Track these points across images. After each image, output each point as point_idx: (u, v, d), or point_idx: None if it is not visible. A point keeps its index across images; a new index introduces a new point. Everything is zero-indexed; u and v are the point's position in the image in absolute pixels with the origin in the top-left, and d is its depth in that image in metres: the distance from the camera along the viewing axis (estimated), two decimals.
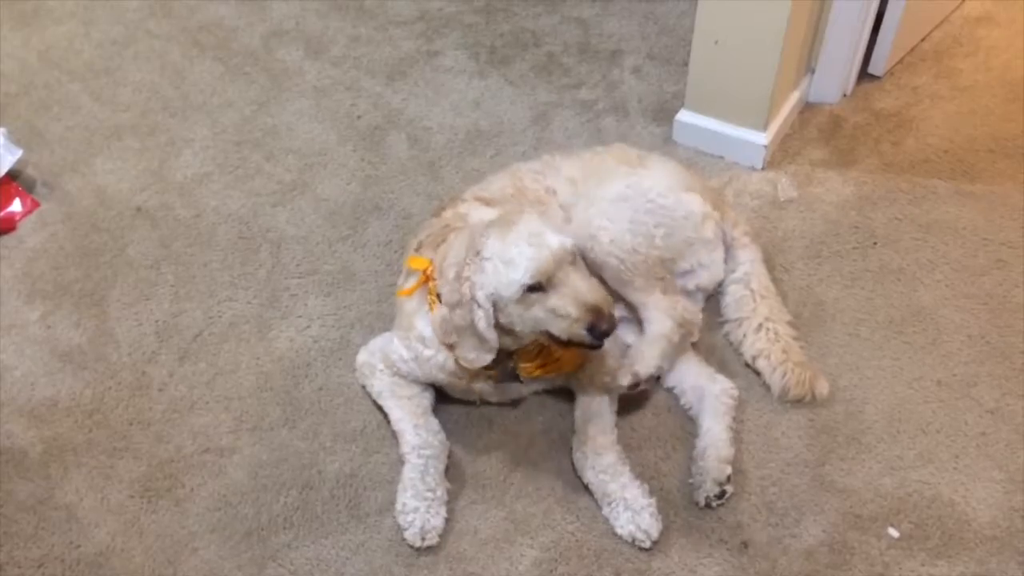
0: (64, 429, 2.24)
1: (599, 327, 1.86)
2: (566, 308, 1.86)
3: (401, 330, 2.15)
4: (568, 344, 1.91)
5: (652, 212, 2.23)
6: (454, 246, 1.99)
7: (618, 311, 2.11)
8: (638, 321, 2.25)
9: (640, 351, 2.15)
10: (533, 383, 2.19)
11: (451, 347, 2.00)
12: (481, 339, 1.92)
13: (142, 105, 3.13)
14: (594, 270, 2.15)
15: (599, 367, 2.16)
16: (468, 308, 1.90)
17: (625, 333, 2.29)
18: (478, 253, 1.90)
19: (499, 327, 1.94)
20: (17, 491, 2.13)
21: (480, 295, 1.89)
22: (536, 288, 1.86)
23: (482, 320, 1.90)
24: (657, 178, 2.30)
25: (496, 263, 1.87)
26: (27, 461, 2.18)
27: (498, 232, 1.90)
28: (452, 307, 1.93)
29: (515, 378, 2.08)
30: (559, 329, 1.89)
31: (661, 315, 2.18)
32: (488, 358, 1.95)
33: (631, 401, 2.24)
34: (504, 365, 2.04)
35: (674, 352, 2.21)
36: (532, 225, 1.90)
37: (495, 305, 1.90)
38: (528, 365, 2.06)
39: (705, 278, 2.34)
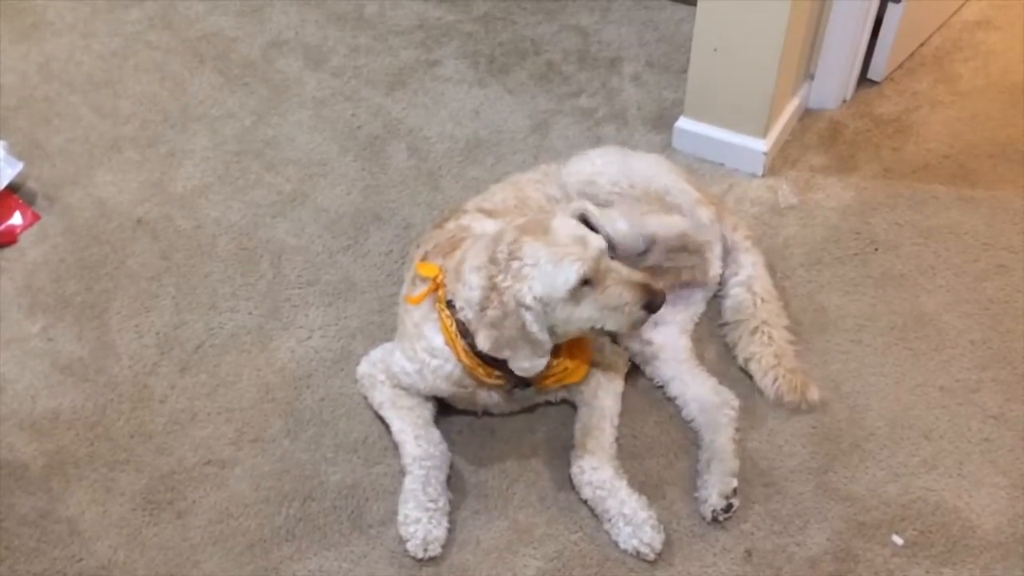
0: (65, 442, 2.24)
1: (655, 302, 1.91)
2: (621, 296, 1.89)
3: (405, 340, 2.14)
4: (617, 336, 1.97)
5: (644, 177, 2.34)
6: (470, 253, 1.98)
7: None
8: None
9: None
10: (535, 396, 2.19)
11: (498, 364, 1.99)
12: (535, 344, 1.91)
13: (142, 117, 3.13)
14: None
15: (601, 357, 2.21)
16: (516, 316, 1.89)
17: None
18: (513, 258, 1.89)
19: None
20: (19, 505, 2.12)
21: (528, 299, 1.88)
22: (584, 284, 1.89)
23: (534, 324, 1.89)
24: (653, 164, 2.41)
25: (543, 266, 1.87)
26: (28, 474, 2.18)
27: (534, 237, 1.91)
28: (498, 323, 1.90)
29: (526, 384, 2.06)
30: (616, 322, 1.92)
31: (667, 219, 2.25)
32: (542, 363, 1.94)
33: (633, 410, 2.24)
34: (513, 373, 2.02)
35: (683, 245, 2.27)
36: (570, 226, 1.94)
37: (544, 312, 1.90)
38: (538, 375, 2.05)
39: (701, 273, 2.34)
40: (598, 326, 1.93)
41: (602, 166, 2.38)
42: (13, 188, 2.79)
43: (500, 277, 1.89)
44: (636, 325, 1.94)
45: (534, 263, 1.87)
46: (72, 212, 2.81)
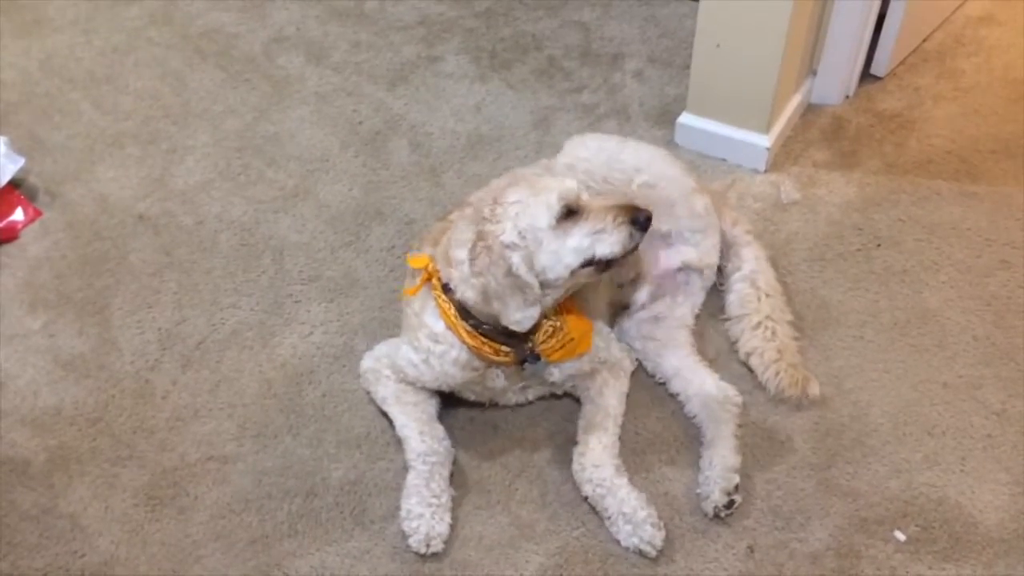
0: (67, 438, 2.24)
1: (641, 216, 1.92)
2: (606, 215, 1.91)
3: (410, 332, 2.14)
4: (609, 266, 1.94)
5: (637, 156, 2.33)
6: (456, 231, 1.99)
7: None
8: None
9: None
10: (542, 386, 2.19)
11: (503, 339, 1.99)
12: (524, 289, 1.89)
13: (143, 113, 3.13)
14: None
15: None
16: (502, 259, 1.88)
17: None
18: (496, 205, 1.93)
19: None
20: (21, 500, 2.12)
21: (513, 236, 1.89)
22: (569, 214, 1.91)
23: (521, 265, 1.88)
24: (652, 154, 2.39)
25: (523, 203, 1.91)
26: (30, 470, 2.18)
27: (516, 184, 1.97)
28: (485, 270, 1.90)
29: (536, 358, 2.04)
30: (608, 246, 1.91)
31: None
32: (535, 312, 1.91)
33: (635, 405, 2.23)
34: (521, 347, 2.02)
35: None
36: (538, 171, 2.04)
37: (530, 250, 1.90)
38: (546, 347, 2.04)
39: (692, 255, 2.33)
40: (589, 254, 1.92)
41: (591, 153, 2.36)
42: (15, 184, 2.79)
43: (486, 227, 1.92)
44: (627, 244, 1.92)
45: (515, 201, 1.92)
46: (73, 208, 2.81)
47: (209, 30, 3.46)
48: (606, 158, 2.34)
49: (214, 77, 3.26)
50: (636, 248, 1.95)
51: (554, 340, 2.03)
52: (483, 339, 1.99)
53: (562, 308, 2.05)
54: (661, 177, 2.33)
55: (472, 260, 1.91)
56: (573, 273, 1.93)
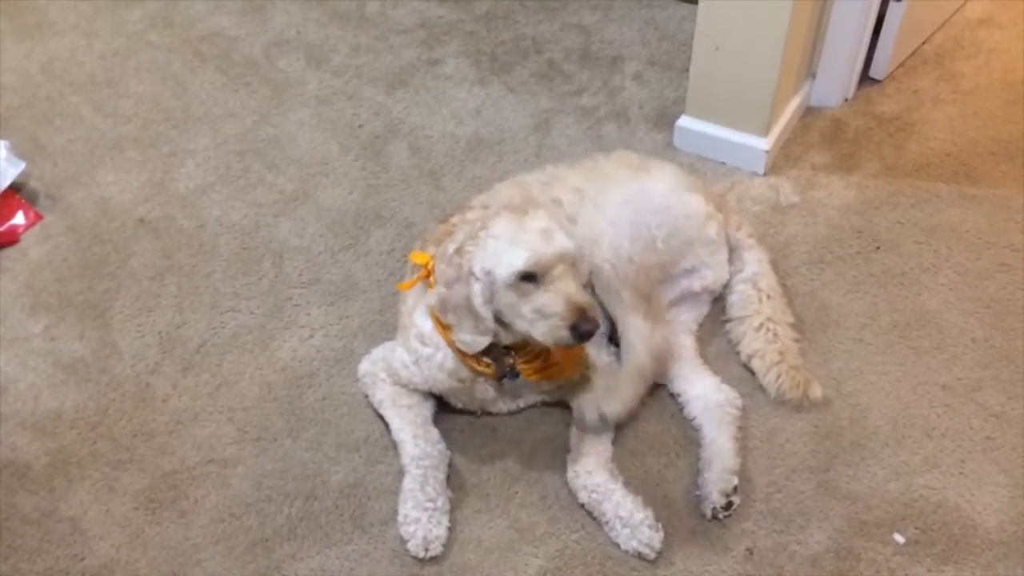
0: (68, 441, 2.24)
1: (581, 327, 1.85)
2: (554, 304, 1.85)
3: (403, 331, 2.15)
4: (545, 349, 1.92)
5: (656, 212, 2.24)
6: (457, 236, 2.00)
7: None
8: (615, 341, 2.23)
9: (613, 388, 2.11)
10: (533, 396, 2.19)
11: (450, 331, 1.99)
12: (477, 318, 1.91)
13: (144, 116, 3.14)
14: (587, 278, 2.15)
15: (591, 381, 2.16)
16: (465, 282, 1.91)
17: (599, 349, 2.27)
18: (483, 227, 1.93)
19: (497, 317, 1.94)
20: (21, 504, 2.13)
21: (477, 268, 1.90)
22: (530, 279, 1.87)
23: (478, 295, 1.90)
24: (660, 179, 2.32)
25: (500, 242, 1.89)
26: (31, 474, 2.18)
27: (511, 216, 1.94)
28: (450, 283, 1.93)
29: (514, 375, 2.06)
30: (541, 332, 1.88)
31: (639, 344, 2.13)
32: (484, 342, 1.94)
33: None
34: (502, 361, 2.03)
35: (645, 389, 2.16)
36: (544, 220, 1.93)
37: (490, 288, 1.90)
38: (527, 367, 2.05)
39: (710, 278, 2.35)
40: (526, 328, 1.90)
41: (611, 221, 2.22)
42: (15, 188, 2.80)
43: (469, 243, 1.93)
44: (559, 343, 1.88)
45: (495, 236, 1.90)
46: (74, 212, 2.81)
47: (209, 34, 3.46)
48: (624, 231, 2.21)
49: (214, 81, 3.26)
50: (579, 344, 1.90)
51: (538, 362, 2.04)
52: None
53: None
54: (678, 221, 2.26)
55: (444, 268, 1.94)
56: (522, 330, 1.92)
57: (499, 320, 1.94)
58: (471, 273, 1.91)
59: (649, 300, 2.19)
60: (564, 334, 1.86)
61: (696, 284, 2.34)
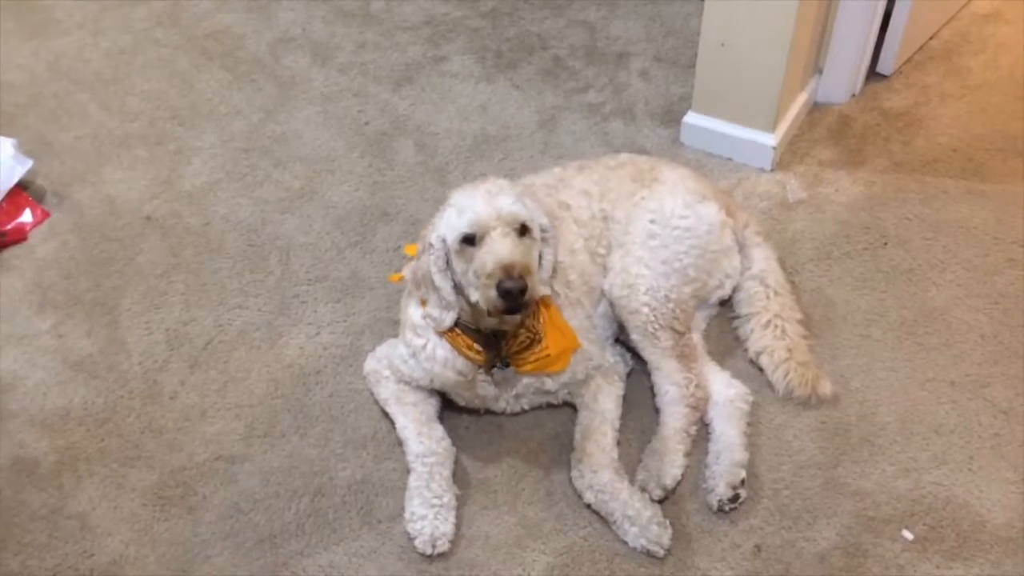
0: (76, 438, 2.25)
1: (504, 284, 1.83)
2: (484, 265, 1.86)
3: (402, 326, 2.17)
4: (489, 316, 1.93)
5: (679, 239, 2.23)
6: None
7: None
8: (648, 381, 2.23)
9: (662, 458, 2.09)
10: (536, 396, 2.18)
11: (475, 336, 2.03)
12: (437, 290, 1.96)
13: (150, 114, 3.14)
14: (625, 316, 2.20)
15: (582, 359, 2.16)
16: (427, 253, 1.97)
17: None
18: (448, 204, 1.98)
19: (458, 288, 1.97)
20: (30, 501, 2.14)
21: (432, 238, 1.96)
22: (470, 241, 1.90)
23: (433, 265, 1.95)
24: (673, 194, 2.29)
25: (453, 210, 1.94)
26: (40, 471, 2.19)
27: (468, 186, 1.99)
28: (419, 254, 2.01)
29: (504, 364, 2.06)
30: (481, 296, 1.88)
31: (678, 398, 2.14)
32: (450, 317, 1.98)
33: (641, 404, 2.24)
34: (494, 350, 2.03)
35: (691, 443, 2.15)
36: (494, 185, 1.96)
37: (446, 257, 1.95)
38: (517, 357, 2.05)
39: (728, 287, 2.36)
40: (476, 297, 1.89)
41: (642, 262, 2.21)
42: (23, 186, 2.80)
43: (436, 216, 1.99)
44: (491, 306, 1.87)
45: (451, 205, 1.95)
46: (81, 209, 2.82)
47: (215, 31, 3.47)
48: (656, 272, 2.20)
49: (220, 78, 3.27)
50: (516, 311, 1.88)
51: (528, 352, 2.04)
52: (458, 330, 2.02)
53: (548, 322, 2.05)
54: (701, 240, 2.25)
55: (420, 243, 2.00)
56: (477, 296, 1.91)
57: (466, 297, 1.96)
58: (430, 244, 1.96)
59: (683, 335, 2.20)
60: (492, 294, 1.85)
61: (714, 297, 2.35)
